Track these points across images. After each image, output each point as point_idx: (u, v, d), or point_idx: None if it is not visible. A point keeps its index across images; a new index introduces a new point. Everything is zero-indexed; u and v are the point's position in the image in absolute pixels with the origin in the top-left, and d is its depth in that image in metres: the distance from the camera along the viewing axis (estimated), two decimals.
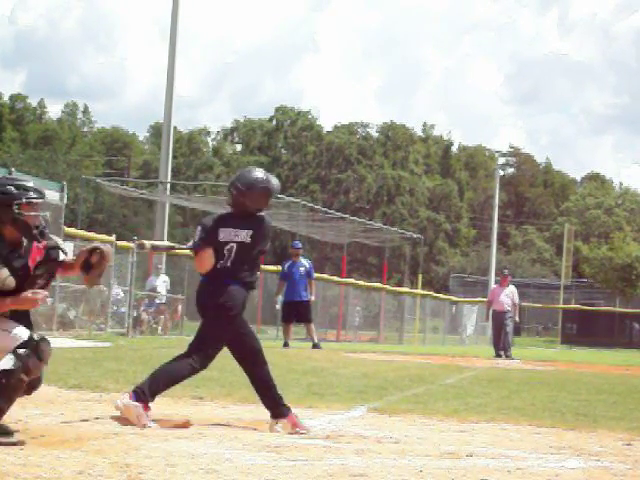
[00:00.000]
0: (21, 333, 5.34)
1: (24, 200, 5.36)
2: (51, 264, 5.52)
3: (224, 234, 6.55)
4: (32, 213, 5.38)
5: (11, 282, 5.37)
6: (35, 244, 5.45)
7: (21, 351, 5.26)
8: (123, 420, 6.23)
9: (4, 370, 5.18)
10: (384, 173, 77.95)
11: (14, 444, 5.16)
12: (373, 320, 36.69)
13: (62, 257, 5.60)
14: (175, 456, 4.94)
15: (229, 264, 6.53)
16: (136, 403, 6.30)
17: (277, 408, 6.54)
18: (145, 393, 6.36)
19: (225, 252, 6.52)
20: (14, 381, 5.22)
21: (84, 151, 72.11)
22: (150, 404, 6.36)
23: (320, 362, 13.60)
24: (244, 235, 6.55)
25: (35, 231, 5.41)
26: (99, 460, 4.69)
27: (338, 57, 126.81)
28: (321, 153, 79.32)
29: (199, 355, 6.51)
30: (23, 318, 5.45)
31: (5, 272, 5.32)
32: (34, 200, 5.40)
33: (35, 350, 5.30)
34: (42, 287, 5.45)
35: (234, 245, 6.54)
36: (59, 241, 5.68)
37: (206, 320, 6.59)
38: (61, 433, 5.41)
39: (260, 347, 6.63)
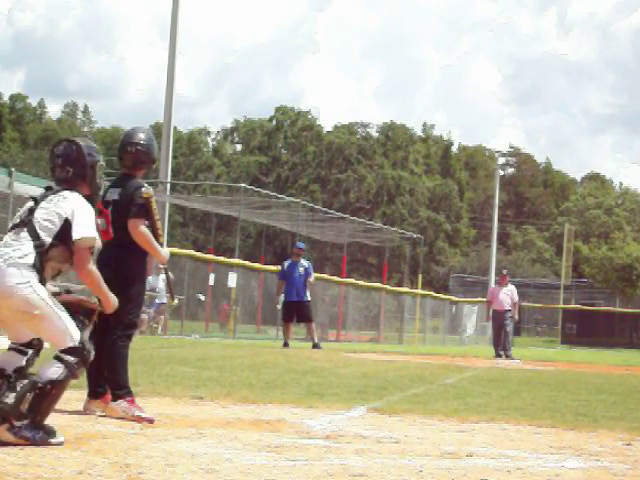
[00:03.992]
0: (74, 331, 5.32)
1: (101, 162, 5.63)
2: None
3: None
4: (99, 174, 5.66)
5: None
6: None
7: (71, 360, 5.24)
8: (120, 418, 6.36)
9: (55, 380, 5.19)
10: (384, 173, 77.89)
11: (61, 443, 5.21)
12: (373, 320, 36.68)
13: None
14: (175, 456, 4.94)
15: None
16: (118, 401, 6.45)
17: (120, 390, 6.57)
18: (119, 391, 6.49)
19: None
20: (62, 390, 5.28)
21: None
22: (134, 396, 6.55)
23: (320, 362, 13.59)
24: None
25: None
26: (99, 460, 4.69)
27: (338, 57, 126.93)
28: (321, 153, 79.26)
29: (122, 324, 6.60)
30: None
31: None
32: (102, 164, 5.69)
33: (82, 358, 5.31)
34: None
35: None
36: None
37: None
38: (61, 433, 5.40)
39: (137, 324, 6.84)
